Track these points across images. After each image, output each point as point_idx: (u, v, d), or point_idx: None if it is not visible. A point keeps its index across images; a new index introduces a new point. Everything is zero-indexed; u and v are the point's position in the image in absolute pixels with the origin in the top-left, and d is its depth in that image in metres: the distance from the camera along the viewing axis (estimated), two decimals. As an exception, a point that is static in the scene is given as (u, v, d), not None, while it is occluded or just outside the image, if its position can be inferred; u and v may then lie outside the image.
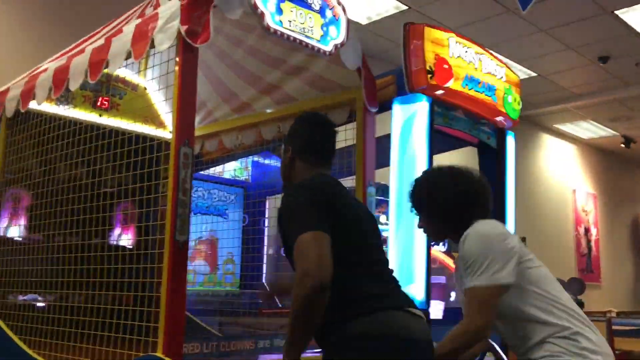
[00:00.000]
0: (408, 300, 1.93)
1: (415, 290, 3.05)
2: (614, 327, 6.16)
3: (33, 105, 3.12)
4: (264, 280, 4.63)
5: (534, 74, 7.53)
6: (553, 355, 1.88)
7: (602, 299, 10.15)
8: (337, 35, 2.89)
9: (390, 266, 2.05)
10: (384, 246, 2.11)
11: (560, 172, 10.27)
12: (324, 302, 1.71)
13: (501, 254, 1.92)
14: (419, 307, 1.99)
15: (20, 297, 3.28)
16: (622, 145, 10.40)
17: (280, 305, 4.29)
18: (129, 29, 2.53)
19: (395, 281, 1.98)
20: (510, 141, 3.91)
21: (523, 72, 7.30)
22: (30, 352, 2.84)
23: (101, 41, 2.74)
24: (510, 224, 3.84)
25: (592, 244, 10.73)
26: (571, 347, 1.88)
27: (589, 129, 10.08)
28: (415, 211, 2.19)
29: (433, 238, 2.35)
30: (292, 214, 1.85)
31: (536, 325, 1.92)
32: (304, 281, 1.69)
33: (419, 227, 2.21)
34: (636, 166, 12.39)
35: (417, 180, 2.20)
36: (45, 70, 3.02)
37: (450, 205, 2.07)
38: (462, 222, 2.04)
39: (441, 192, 2.09)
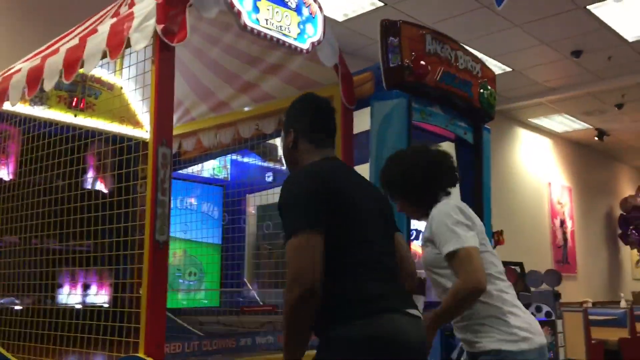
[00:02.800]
0: (407, 301, 1.89)
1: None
2: (590, 317, 6.26)
3: (7, 106, 3.07)
4: (244, 279, 4.62)
5: (508, 69, 7.61)
6: (486, 335, 2.05)
7: (578, 289, 10.31)
8: (314, 32, 2.90)
9: None
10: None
11: (535, 166, 10.40)
12: (313, 307, 1.71)
13: (466, 225, 2.10)
14: None
15: (-3, 301, 3.24)
16: (596, 138, 10.56)
17: (260, 303, 4.30)
18: (104, 29, 2.51)
19: (395, 278, 1.95)
20: (487, 136, 3.96)
21: (498, 67, 7.37)
22: (9, 356, 2.81)
23: (75, 41, 2.71)
24: (488, 218, 3.89)
25: (568, 236, 10.89)
26: (502, 326, 2.05)
27: (563, 123, 10.22)
28: (390, 194, 2.30)
29: (414, 217, 2.40)
30: (288, 207, 1.82)
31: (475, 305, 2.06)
32: (291, 290, 1.70)
33: (399, 211, 2.32)
34: (610, 159, 12.60)
35: (384, 167, 2.35)
36: (18, 70, 2.98)
37: (418, 179, 2.22)
38: (429, 198, 2.20)
39: (408, 170, 2.24)
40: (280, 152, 4.53)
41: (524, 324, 2.09)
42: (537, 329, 2.12)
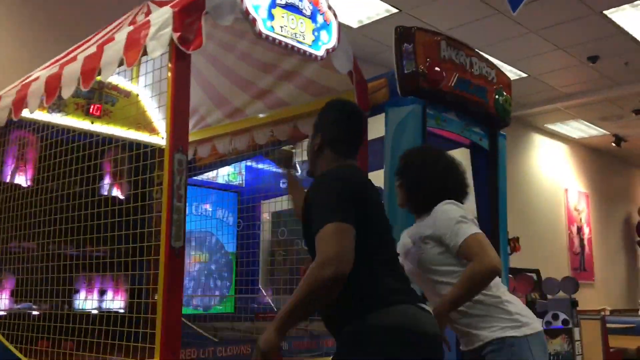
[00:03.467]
0: (417, 296, 1.98)
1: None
2: (607, 325, 6.19)
3: (25, 113, 3.11)
4: (259, 285, 4.63)
5: (524, 75, 7.58)
6: (487, 326, 2.10)
7: (596, 297, 10.19)
8: (329, 39, 2.91)
9: None
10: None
11: (552, 172, 10.32)
12: (336, 291, 1.75)
13: (472, 219, 2.19)
14: None
15: (15, 305, 3.27)
16: (613, 144, 10.46)
17: (276, 310, 4.30)
18: (121, 37, 2.53)
19: (407, 278, 2.03)
20: (502, 142, 3.94)
21: (513, 73, 7.34)
22: (26, 360, 2.84)
23: (93, 49, 2.74)
24: (503, 224, 3.86)
25: (585, 242, 10.78)
26: (502, 314, 2.11)
27: (580, 129, 10.14)
28: (399, 184, 2.39)
29: (406, 208, 2.45)
30: (321, 202, 1.86)
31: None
32: (324, 268, 1.71)
33: (400, 203, 2.41)
34: (627, 165, 12.47)
35: (404, 157, 2.43)
36: (37, 78, 3.02)
37: (433, 182, 2.29)
38: (435, 198, 2.25)
39: (426, 171, 2.31)
40: (295, 159, 4.55)
41: (522, 310, 2.15)
42: (533, 316, 2.20)
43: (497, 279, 2.19)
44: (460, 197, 2.34)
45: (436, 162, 2.35)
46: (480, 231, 2.14)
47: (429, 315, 1.91)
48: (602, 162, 11.65)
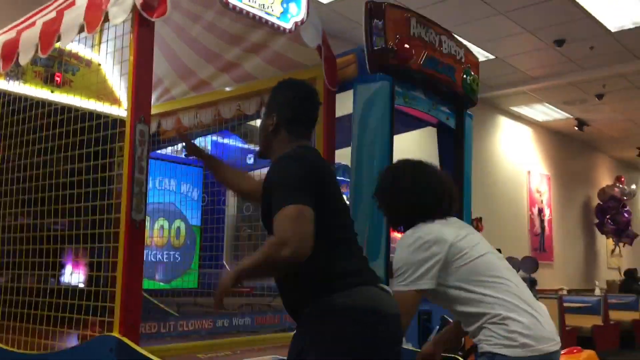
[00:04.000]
0: (377, 277, 2.00)
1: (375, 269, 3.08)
2: (565, 304, 6.36)
3: (-19, 80, 3.00)
4: (223, 260, 4.60)
5: (492, 57, 7.63)
6: (485, 338, 2.04)
7: (554, 277, 10.46)
8: (298, 12, 2.86)
9: None
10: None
11: (515, 154, 10.48)
12: (290, 270, 1.79)
13: (420, 262, 2.07)
14: None
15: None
16: (576, 128, 10.67)
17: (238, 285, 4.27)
18: (82, 2, 2.44)
19: (366, 259, 2.05)
20: (469, 122, 3.96)
21: (481, 55, 7.38)
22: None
23: (52, 14, 2.64)
24: (468, 204, 3.90)
25: (546, 224, 11.03)
26: (501, 330, 2.01)
27: (544, 112, 10.30)
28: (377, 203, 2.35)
29: (394, 227, 2.45)
30: (282, 184, 1.85)
31: (469, 318, 2.10)
32: (283, 249, 1.72)
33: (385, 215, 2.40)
34: (589, 148, 12.75)
35: (379, 178, 2.35)
36: (-7, 44, 2.90)
37: (400, 203, 2.23)
38: (408, 220, 2.20)
39: (393, 192, 2.24)
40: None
41: (526, 330, 2.01)
42: (543, 336, 2.04)
43: (504, 290, 2.08)
44: (449, 208, 2.22)
45: (404, 177, 2.24)
46: (405, 287, 2.05)
47: (389, 296, 1.94)
48: (564, 146, 11.88)
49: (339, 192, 2.03)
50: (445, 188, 2.24)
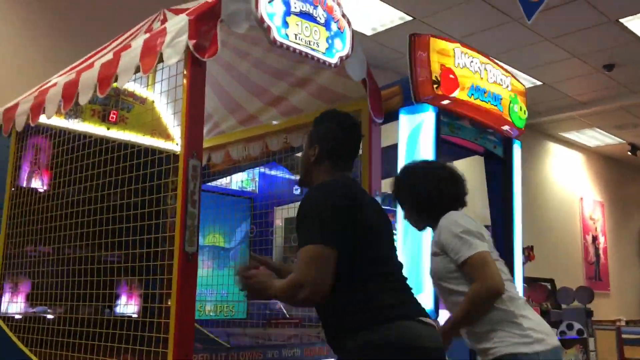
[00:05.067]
0: (420, 310, 1.95)
1: (424, 299, 3.06)
2: (623, 336, 6.12)
3: (42, 119, 3.15)
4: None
5: (539, 83, 7.55)
6: (500, 340, 2.07)
7: (611, 307, 10.09)
8: (343, 47, 2.92)
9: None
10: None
11: (567, 180, 10.24)
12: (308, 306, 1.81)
13: (477, 233, 2.16)
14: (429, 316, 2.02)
15: (30, 309, 3.30)
16: (629, 153, 10.38)
17: (287, 316, 4.30)
18: (138, 44, 2.56)
19: (409, 290, 2.00)
20: (517, 150, 3.93)
21: (528, 81, 7.31)
22: (40, 364, 2.86)
23: (109, 56, 2.77)
24: (518, 233, 3.84)
25: (600, 252, 10.68)
26: (515, 329, 2.07)
27: (595, 137, 10.07)
28: (398, 203, 2.45)
29: (415, 227, 2.48)
30: (308, 217, 1.87)
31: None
32: (298, 291, 1.78)
33: (404, 218, 2.46)
34: (643, 173, 12.35)
35: (397, 177, 2.47)
36: (54, 85, 3.06)
37: (422, 197, 2.32)
38: (434, 213, 2.28)
39: (415, 186, 2.34)
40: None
41: (537, 326, 2.12)
42: (549, 331, 2.16)
43: (513, 292, 2.18)
44: (458, 206, 2.35)
45: (427, 174, 2.37)
46: (483, 249, 2.11)
47: (429, 329, 1.89)
48: (617, 171, 11.55)
49: (377, 223, 2.00)
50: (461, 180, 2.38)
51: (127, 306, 3.51)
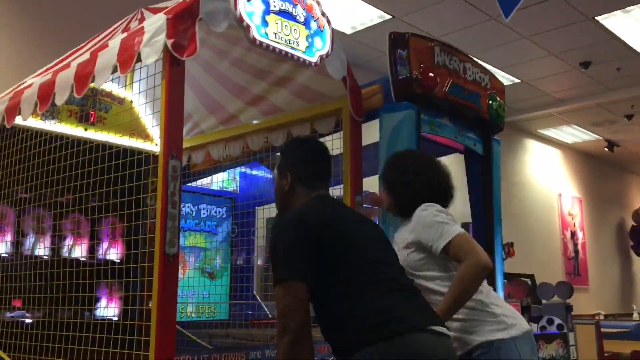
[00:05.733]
0: (430, 317, 1.88)
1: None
2: (602, 330, 6.19)
3: (18, 120, 3.10)
4: (254, 292, 4.62)
5: (517, 80, 7.61)
6: (474, 330, 2.10)
7: (590, 301, 10.22)
8: (322, 46, 2.91)
9: None
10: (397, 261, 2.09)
11: (545, 177, 10.35)
12: (305, 350, 1.78)
13: (451, 219, 2.20)
14: None
15: (8, 314, 3.25)
16: (606, 149, 10.52)
17: (270, 316, 4.28)
18: (115, 43, 2.53)
19: (414, 295, 1.94)
20: (496, 147, 3.95)
21: (506, 79, 7.37)
22: (19, 369, 2.81)
23: (86, 56, 2.74)
24: (498, 230, 3.87)
25: (579, 247, 10.81)
26: (489, 317, 2.11)
27: (573, 134, 10.19)
28: (383, 184, 2.45)
29: (390, 211, 2.49)
30: (275, 256, 1.91)
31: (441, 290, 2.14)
32: (282, 336, 1.79)
33: (385, 210, 2.51)
34: (620, 169, 12.53)
35: (388, 159, 2.51)
36: (30, 85, 3.01)
37: (414, 186, 2.32)
38: (418, 203, 2.27)
39: (408, 173, 2.35)
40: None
41: (508, 312, 2.15)
42: (519, 316, 2.21)
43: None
44: (446, 198, 2.37)
45: (420, 164, 2.39)
46: (464, 230, 2.14)
47: (443, 340, 1.82)
48: (595, 167, 11.70)
49: (358, 230, 2.00)
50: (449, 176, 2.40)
51: (108, 309, 3.47)
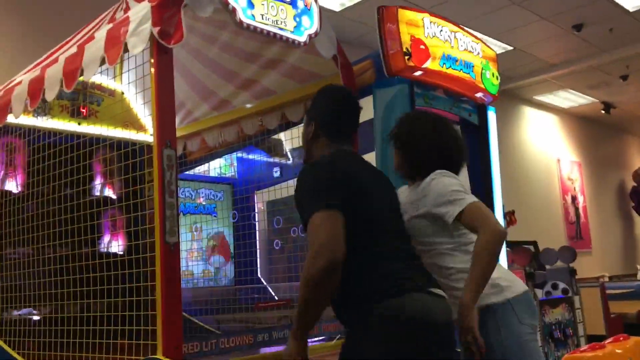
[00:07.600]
0: (429, 280, 1.93)
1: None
2: (607, 292, 6.23)
3: (10, 119, 3.09)
4: (259, 275, 4.63)
5: (510, 48, 7.56)
6: None
7: (594, 264, 10.26)
8: (311, 25, 2.88)
9: None
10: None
11: (543, 143, 10.34)
12: (336, 281, 1.74)
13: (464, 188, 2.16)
14: None
15: (15, 312, 3.26)
16: (603, 112, 10.48)
17: (276, 298, 4.31)
18: (101, 35, 2.50)
19: (416, 259, 1.99)
20: (492, 116, 3.93)
21: (499, 47, 7.32)
22: (29, 366, 2.83)
23: (74, 49, 2.71)
24: (498, 199, 3.87)
25: (580, 211, 10.83)
26: None
27: (569, 98, 10.15)
28: (395, 147, 2.33)
29: (402, 174, 2.39)
30: (308, 190, 1.87)
31: (459, 274, 2.09)
32: (317, 260, 1.72)
33: (395, 169, 2.36)
34: (618, 131, 12.51)
35: (405, 119, 2.39)
36: (19, 83, 2.99)
37: (431, 150, 2.24)
38: (435, 167, 2.20)
39: (428, 136, 2.27)
40: (286, 147, 4.54)
41: (503, 275, 2.15)
42: (515, 278, 2.20)
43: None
44: (458, 161, 2.32)
45: (432, 125, 2.31)
46: (477, 199, 2.10)
47: (439, 301, 1.87)
48: (592, 130, 11.68)
49: (379, 192, 1.99)
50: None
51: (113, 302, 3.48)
